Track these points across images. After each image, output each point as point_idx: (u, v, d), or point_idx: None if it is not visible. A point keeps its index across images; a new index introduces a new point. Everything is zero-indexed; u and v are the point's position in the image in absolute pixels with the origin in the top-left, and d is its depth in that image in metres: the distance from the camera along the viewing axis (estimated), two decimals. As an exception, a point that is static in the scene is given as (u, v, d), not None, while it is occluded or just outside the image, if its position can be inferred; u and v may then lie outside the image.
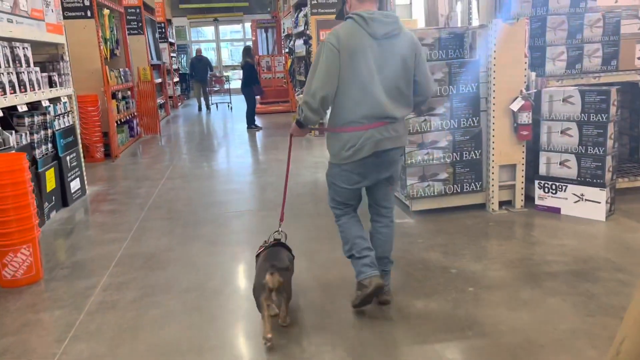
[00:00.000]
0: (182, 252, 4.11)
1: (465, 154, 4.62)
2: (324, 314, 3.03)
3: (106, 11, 8.82)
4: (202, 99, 16.05)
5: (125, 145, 9.14)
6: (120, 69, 9.37)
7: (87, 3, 7.89)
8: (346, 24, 2.82)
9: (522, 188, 4.70)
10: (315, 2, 9.79)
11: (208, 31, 22.89)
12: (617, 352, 1.81)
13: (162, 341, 2.82)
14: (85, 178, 6.05)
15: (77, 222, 5.11)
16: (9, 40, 4.49)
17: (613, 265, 3.49)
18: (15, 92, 4.42)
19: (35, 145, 4.89)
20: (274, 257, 2.88)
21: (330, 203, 3.11)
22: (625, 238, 3.99)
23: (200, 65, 15.88)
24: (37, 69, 4.96)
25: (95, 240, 4.50)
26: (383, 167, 2.90)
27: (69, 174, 5.56)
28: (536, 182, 4.62)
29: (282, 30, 16.13)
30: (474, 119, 4.60)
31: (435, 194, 4.64)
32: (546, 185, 4.57)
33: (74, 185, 5.68)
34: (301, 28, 11.26)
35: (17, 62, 4.57)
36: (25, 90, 4.64)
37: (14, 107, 4.55)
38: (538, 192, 4.62)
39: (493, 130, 4.57)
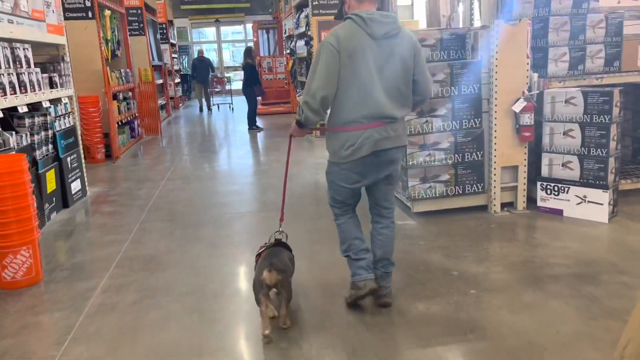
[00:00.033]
0: (182, 254, 4.09)
1: (467, 155, 4.60)
2: (324, 315, 3.02)
3: (107, 12, 8.82)
4: (203, 99, 16.05)
5: (126, 146, 9.13)
6: (122, 70, 9.36)
7: (88, 4, 7.89)
8: (345, 24, 2.83)
9: (524, 190, 4.67)
10: (316, 2, 9.77)
11: (209, 32, 22.89)
12: (621, 356, 1.78)
13: (162, 343, 2.81)
14: (85, 179, 6.04)
15: (78, 223, 5.09)
16: (10, 41, 4.48)
17: (616, 268, 3.47)
18: (15, 92, 4.41)
19: (36, 146, 4.88)
20: (274, 255, 2.90)
21: (330, 201, 3.13)
22: (628, 240, 3.96)
23: (201, 66, 15.88)
24: (38, 69, 4.95)
25: (95, 242, 4.49)
26: (382, 167, 2.90)
27: (70, 175, 5.55)
28: (538, 183, 4.60)
29: (284, 31, 16.11)
30: (475, 120, 4.58)
31: (437, 195, 4.62)
32: (548, 186, 4.54)
33: (75, 186, 5.67)
34: (302, 29, 11.24)
35: (17, 62, 4.56)
36: (26, 91, 4.63)
37: (15, 108, 4.54)
38: (540, 193, 4.60)
39: (495, 131, 4.55)
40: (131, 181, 6.76)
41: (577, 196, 4.40)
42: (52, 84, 5.35)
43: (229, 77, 17.92)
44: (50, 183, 5.06)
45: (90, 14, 7.92)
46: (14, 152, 4.25)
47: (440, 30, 4.77)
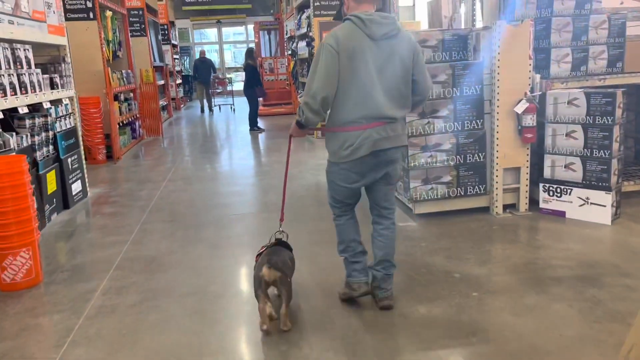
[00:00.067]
0: (184, 255, 4.08)
1: (469, 156, 4.58)
2: (325, 318, 3.00)
3: (109, 13, 8.81)
4: (204, 100, 16.04)
5: (127, 147, 9.12)
6: (123, 71, 9.35)
7: (89, 5, 7.88)
8: (345, 25, 2.84)
9: (526, 191, 4.65)
10: (318, 3, 9.77)
11: (211, 33, 22.89)
12: (626, 359, 1.76)
13: (162, 346, 2.79)
14: (86, 180, 6.03)
15: (78, 224, 5.08)
16: (10, 41, 4.47)
17: (619, 270, 3.44)
18: (16, 93, 4.39)
19: (36, 147, 4.86)
20: (274, 254, 2.93)
21: (330, 201, 3.15)
22: (631, 242, 3.94)
23: (203, 67, 15.87)
24: (39, 70, 4.94)
25: (95, 243, 4.47)
26: (381, 167, 2.91)
27: (70, 176, 5.53)
28: (541, 185, 4.58)
29: (285, 32, 16.11)
30: (477, 121, 4.56)
31: (439, 197, 4.60)
32: (551, 188, 4.52)
33: (75, 187, 5.65)
34: (304, 30, 11.23)
35: (18, 63, 4.55)
36: (26, 92, 4.61)
37: (15, 109, 4.53)
38: (543, 195, 4.58)
39: (497, 132, 4.52)
40: (132, 182, 6.75)
41: (579, 198, 4.38)
42: (52, 85, 5.34)
43: (231, 78, 17.91)
44: (51, 184, 5.04)
45: (91, 15, 7.91)
46: (14, 153, 4.24)
47: (442, 31, 4.76)
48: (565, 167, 4.44)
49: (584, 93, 4.29)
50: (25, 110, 4.65)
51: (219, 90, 16.70)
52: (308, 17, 10.49)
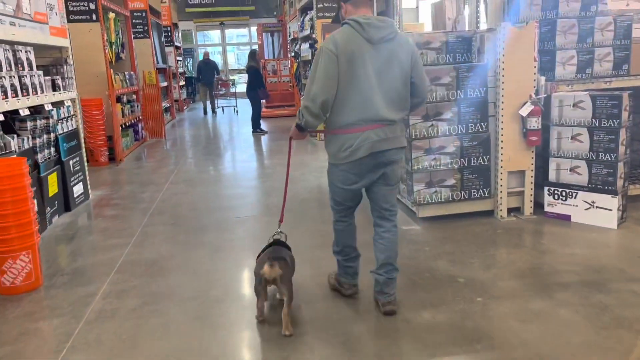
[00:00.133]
0: (185, 259, 4.04)
1: (473, 159, 4.53)
2: (328, 323, 2.96)
3: (111, 15, 8.80)
4: (207, 102, 16.03)
5: (129, 149, 9.10)
6: (126, 73, 9.34)
7: (92, 7, 7.87)
8: (343, 29, 2.88)
9: (531, 195, 4.60)
10: (321, 5, 9.73)
11: (214, 35, 22.91)
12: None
13: (162, 351, 2.75)
14: (88, 182, 6.00)
15: (79, 227, 5.05)
16: (11, 43, 4.44)
17: (626, 275, 3.40)
18: (17, 95, 4.37)
19: (38, 149, 4.84)
20: (274, 252, 2.95)
21: (330, 202, 3.20)
22: (637, 247, 3.89)
23: (207, 68, 15.86)
24: (40, 72, 4.91)
25: (96, 246, 4.44)
26: (379, 168, 2.94)
27: (72, 179, 5.51)
28: (546, 188, 4.53)
29: (288, 34, 16.09)
30: (482, 124, 4.51)
31: (443, 200, 4.56)
32: (556, 191, 4.47)
33: (77, 189, 5.63)
34: (307, 32, 11.20)
35: (19, 65, 4.52)
36: (28, 94, 4.59)
37: (16, 111, 4.50)
38: (548, 198, 4.53)
39: (501, 135, 4.48)
40: (134, 184, 6.73)
41: (585, 201, 4.33)
42: (54, 87, 5.31)
43: (234, 79, 17.89)
44: (52, 186, 5.02)
45: (94, 17, 7.90)
46: (15, 156, 4.21)
47: (446, 33, 4.72)
48: (570, 170, 4.39)
49: (590, 96, 4.25)
50: (27, 112, 4.63)
51: (222, 92, 16.69)
52: (311, 19, 10.47)
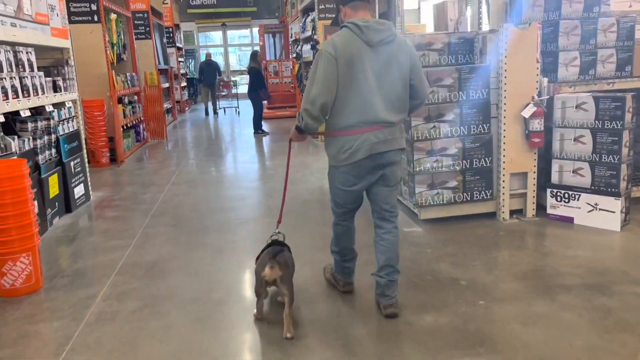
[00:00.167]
0: (186, 260, 4.03)
1: (476, 161, 4.52)
2: (329, 326, 2.94)
3: (113, 16, 8.80)
4: (209, 103, 16.02)
5: (131, 150, 9.10)
6: (127, 74, 9.33)
7: (93, 8, 7.86)
8: (342, 32, 2.90)
9: (533, 197, 4.58)
10: (322, 7, 9.72)
11: (216, 36, 22.91)
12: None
13: (162, 354, 2.74)
14: (89, 184, 5.99)
15: (80, 228, 5.04)
16: (12, 44, 4.43)
17: (629, 278, 3.37)
18: (17, 96, 4.36)
19: (39, 150, 4.83)
20: (274, 252, 2.94)
21: (331, 204, 3.22)
22: (641, 249, 3.87)
23: (209, 69, 15.86)
24: (41, 73, 4.90)
25: (97, 248, 4.43)
26: (379, 169, 2.95)
27: (73, 180, 5.50)
28: (548, 190, 4.51)
29: (290, 35, 16.08)
30: (484, 125, 4.49)
31: (445, 202, 4.54)
32: (559, 193, 4.45)
33: (78, 191, 5.62)
34: (309, 33, 11.19)
35: (20, 66, 4.51)
36: (29, 95, 4.58)
37: (17, 112, 4.50)
38: (550, 200, 4.50)
39: (504, 137, 4.46)
40: (136, 185, 6.72)
41: (588, 204, 4.31)
42: (55, 88, 5.31)
43: (236, 80, 17.89)
44: (53, 188, 5.01)
45: (95, 18, 7.89)
46: (15, 157, 4.20)
47: (448, 34, 4.70)
48: (573, 172, 4.37)
49: (593, 97, 4.22)
50: (28, 113, 4.62)
51: (224, 93, 16.68)
52: (313, 20, 10.46)
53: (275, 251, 2.95)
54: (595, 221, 4.28)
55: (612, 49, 4.67)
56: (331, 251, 3.33)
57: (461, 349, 2.66)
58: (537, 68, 4.39)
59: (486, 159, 4.53)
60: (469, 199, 4.56)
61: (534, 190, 4.57)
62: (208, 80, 15.79)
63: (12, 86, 4.28)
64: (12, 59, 4.38)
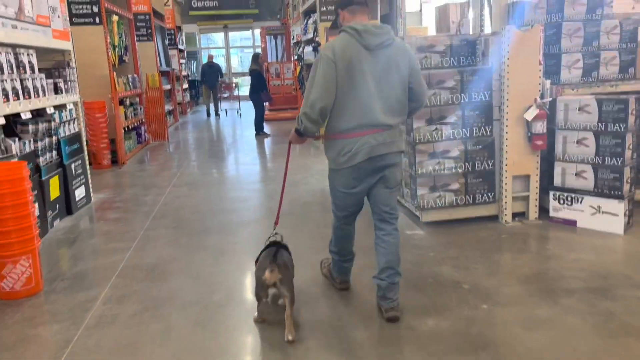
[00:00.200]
0: (187, 263, 4.01)
1: (478, 163, 4.49)
2: (330, 331, 2.92)
3: (115, 18, 8.80)
4: (211, 104, 16.03)
5: (132, 152, 9.09)
6: (129, 76, 9.33)
7: (95, 10, 7.86)
8: (341, 36, 2.92)
9: (536, 199, 4.56)
10: (324, 9, 9.71)
11: (218, 38, 22.94)
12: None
13: (162, 358, 2.72)
14: (90, 186, 5.98)
15: (81, 231, 5.02)
16: (13, 46, 4.43)
17: (632, 282, 3.35)
18: (18, 98, 4.35)
19: (39, 152, 4.82)
20: (274, 255, 2.92)
21: (332, 207, 3.22)
22: (644, 252, 3.84)
23: (211, 71, 15.86)
24: (42, 75, 4.89)
25: (98, 250, 4.41)
26: (378, 172, 2.96)
27: (74, 182, 5.49)
28: (551, 193, 4.49)
29: (292, 37, 16.08)
30: (486, 127, 4.47)
31: (447, 204, 4.51)
32: (561, 196, 4.43)
33: (79, 193, 5.61)
34: (310, 35, 11.19)
35: (21, 68, 4.51)
36: (30, 97, 4.57)
37: (18, 114, 4.48)
38: (553, 203, 4.48)
39: (506, 139, 4.44)
40: (137, 187, 6.70)
41: (591, 206, 4.28)
42: (57, 90, 5.30)
43: (237, 82, 17.89)
44: (54, 190, 5.00)
45: (97, 20, 7.89)
46: (16, 159, 4.19)
47: (450, 36, 4.69)
48: (576, 174, 4.35)
49: (596, 99, 4.20)
50: (29, 115, 4.61)
51: (225, 95, 16.68)
52: (314, 22, 10.45)
53: (274, 253, 2.93)
54: (598, 224, 4.26)
55: (615, 51, 4.66)
56: (330, 250, 3.37)
57: (463, 354, 2.64)
58: (540, 70, 4.37)
59: (488, 161, 4.51)
60: (471, 201, 4.54)
61: (536, 193, 4.55)
62: (210, 82, 15.80)
63: (13, 88, 4.27)
64: (13, 61, 4.37)
